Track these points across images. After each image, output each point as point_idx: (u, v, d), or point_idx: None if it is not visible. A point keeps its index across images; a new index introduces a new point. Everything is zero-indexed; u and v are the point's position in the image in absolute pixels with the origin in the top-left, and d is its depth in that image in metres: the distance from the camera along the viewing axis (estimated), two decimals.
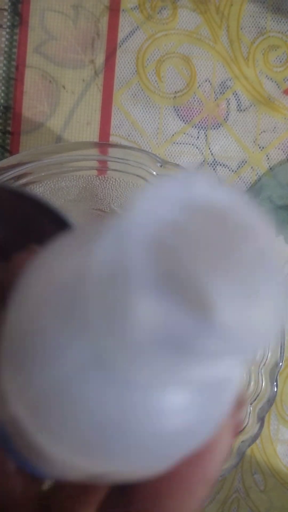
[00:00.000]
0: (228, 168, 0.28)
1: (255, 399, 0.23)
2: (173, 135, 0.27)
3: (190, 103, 0.28)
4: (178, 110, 0.28)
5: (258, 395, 0.23)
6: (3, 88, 0.27)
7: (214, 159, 0.28)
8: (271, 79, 0.28)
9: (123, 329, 0.07)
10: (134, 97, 0.27)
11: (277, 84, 0.28)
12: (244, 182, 0.28)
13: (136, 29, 0.27)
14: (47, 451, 0.10)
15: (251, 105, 0.28)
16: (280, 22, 0.28)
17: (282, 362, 0.22)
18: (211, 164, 0.28)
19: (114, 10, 0.27)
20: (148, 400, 0.08)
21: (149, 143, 0.28)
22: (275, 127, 0.28)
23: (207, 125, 0.28)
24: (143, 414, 0.09)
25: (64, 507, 0.13)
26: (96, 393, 0.08)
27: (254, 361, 0.23)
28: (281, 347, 0.22)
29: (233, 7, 0.27)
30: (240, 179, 0.28)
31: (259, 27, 0.28)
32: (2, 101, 0.27)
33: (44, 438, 0.09)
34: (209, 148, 0.28)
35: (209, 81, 0.28)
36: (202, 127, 0.28)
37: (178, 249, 0.07)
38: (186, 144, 0.28)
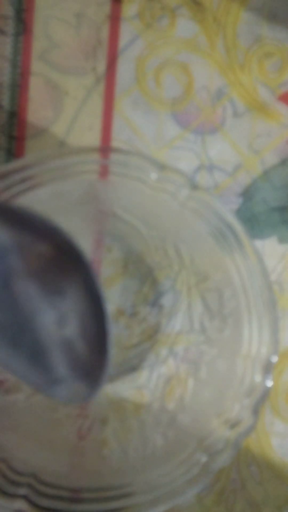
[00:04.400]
0: (224, 171, 0.28)
1: (250, 393, 0.23)
2: (171, 140, 0.28)
3: (187, 109, 0.28)
4: (176, 116, 0.28)
5: (253, 389, 0.23)
6: (8, 94, 0.27)
7: (211, 163, 0.28)
8: (265, 85, 0.28)
9: None
10: (134, 103, 0.28)
11: (271, 91, 0.28)
12: (239, 185, 0.28)
13: (136, 38, 0.28)
14: None
15: (246, 111, 0.28)
16: (275, 30, 0.28)
17: (276, 357, 0.23)
18: (207, 168, 0.28)
19: (115, 18, 0.28)
20: None
21: (149, 148, 0.28)
22: (269, 132, 0.28)
23: (204, 131, 0.28)
24: None
25: None
26: None
27: (249, 356, 0.23)
28: (274, 342, 0.23)
29: (230, 15, 0.28)
30: (235, 182, 0.28)
31: (255, 35, 0.28)
32: (7, 107, 0.28)
33: None
34: (206, 153, 0.28)
35: (206, 88, 0.28)
36: (199, 132, 0.28)
37: None
38: (184, 148, 0.28)
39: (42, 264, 0.20)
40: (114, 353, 0.28)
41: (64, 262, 0.20)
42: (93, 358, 0.20)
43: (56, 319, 0.21)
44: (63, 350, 0.21)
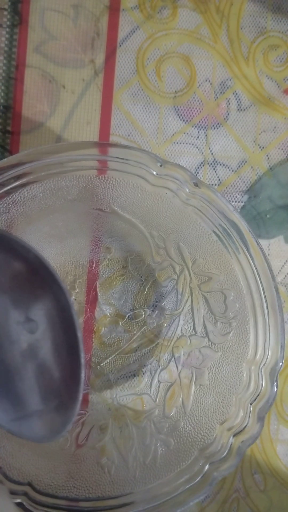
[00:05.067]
0: (228, 167, 0.28)
1: (255, 399, 0.23)
2: (173, 134, 0.28)
3: (190, 102, 0.28)
4: (178, 109, 0.28)
5: (258, 395, 0.23)
6: (3, 87, 0.27)
7: (214, 159, 0.28)
8: (271, 78, 0.28)
9: None
10: (134, 96, 0.27)
11: (277, 84, 0.28)
12: (244, 181, 0.28)
13: (136, 29, 0.27)
14: None
15: (251, 105, 0.28)
16: (280, 21, 0.28)
17: (282, 362, 0.22)
18: (211, 163, 0.28)
19: (114, 9, 0.27)
20: None
21: (149, 143, 0.28)
22: (275, 127, 0.28)
23: (207, 125, 0.28)
24: None
25: None
26: None
27: (254, 361, 0.23)
28: (281, 347, 0.22)
29: (233, 7, 0.27)
30: (240, 178, 0.28)
31: (259, 27, 0.28)
32: (2, 100, 0.27)
33: None
34: (209, 148, 0.28)
35: (209, 81, 0.28)
36: (202, 127, 0.28)
37: None
38: (186, 143, 0.28)
39: (12, 285, 0.19)
40: (113, 359, 0.27)
41: (35, 285, 0.19)
42: (66, 388, 0.19)
43: (27, 347, 0.20)
44: (34, 381, 0.20)
